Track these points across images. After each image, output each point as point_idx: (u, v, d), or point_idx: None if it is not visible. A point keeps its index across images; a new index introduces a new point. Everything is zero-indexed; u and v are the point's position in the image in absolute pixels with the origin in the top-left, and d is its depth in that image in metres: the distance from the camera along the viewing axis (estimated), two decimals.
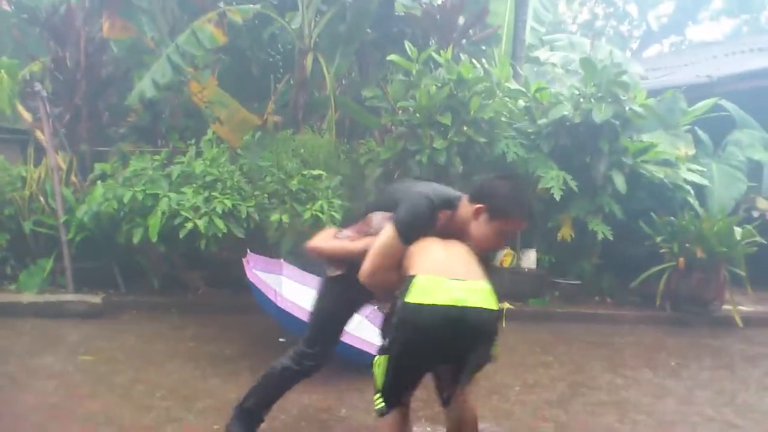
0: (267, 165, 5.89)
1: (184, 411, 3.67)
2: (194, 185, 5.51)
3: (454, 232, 2.69)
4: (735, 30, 20.95)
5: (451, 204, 2.71)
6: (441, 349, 2.47)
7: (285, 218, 5.47)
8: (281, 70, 8.09)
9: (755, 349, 5.45)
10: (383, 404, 2.52)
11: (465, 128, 6.06)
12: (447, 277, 2.46)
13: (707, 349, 5.38)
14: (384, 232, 2.66)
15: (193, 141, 6.08)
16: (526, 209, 2.69)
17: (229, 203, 5.39)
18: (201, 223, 5.24)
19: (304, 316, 4.12)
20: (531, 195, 2.60)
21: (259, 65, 7.86)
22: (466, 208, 2.68)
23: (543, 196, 6.00)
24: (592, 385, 4.38)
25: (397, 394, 2.57)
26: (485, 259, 2.74)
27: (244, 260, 4.64)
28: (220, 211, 5.31)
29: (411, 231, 2.63)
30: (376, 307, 5.06)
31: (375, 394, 2.55)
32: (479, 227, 2.65)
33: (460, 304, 2.38)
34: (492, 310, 2.44)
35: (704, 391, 4.36)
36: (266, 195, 5.68)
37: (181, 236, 5.27)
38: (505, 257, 6.39)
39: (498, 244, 2.77)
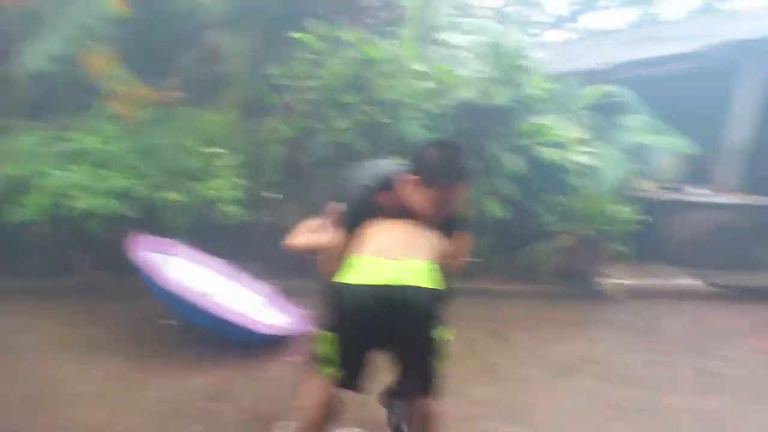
0: (165, 143, 5.74)
1: (50, 399, 3.60)
2: (85, 163, 5.31)
3: (406, 208, 2.72)
4: (632, 19, 21.86)
5: (389, 184, 2.73)
6: (376, 329, 2.49)
7: (182, 197, 5.35)
8: (182, 45, 7.83)
9: (633, 318, 5.80)
10: (333, 373, 2.56)
11: (369, 108, 6.10)
12: (384, 257, 2.51)
13: (589, 320, 5.71)
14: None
15: (85, 116, 5.84)
16: (455, 173, 2.65)
17: (123, 182, 5.22)
18: (93, 203, 5.06)
19: (193, 297, 4.11)
20: (462, 158, 2.68)
21: (160, 39, 7.59)
22: (407, 181, 2.70)
23: None
24: (475, 354, 4.60)
25: (346, 374, 2.59)
26: (450, 228, 2.77)
27: (131, 241, 4.52)
28: (114, 190, 5.14)
29: (348, 220, 2.73)
30: (276, 286, 5.08)
31: (317, 364, 2.60)
32: (418, 197, 2.66)
33: (392, 283, 2.44)
34: (426, 289, 2.45)
35: (572, 352, 4.66)
36: (162, 174, 5.53)
37: (69, 215, 5.05)
38: None
39: (438, 212, 2.68)
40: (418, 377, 2.61)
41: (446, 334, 2.55)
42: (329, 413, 2.71)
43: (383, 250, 2.56)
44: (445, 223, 2.75)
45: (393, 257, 2.52)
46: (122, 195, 5.24)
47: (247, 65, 7.83)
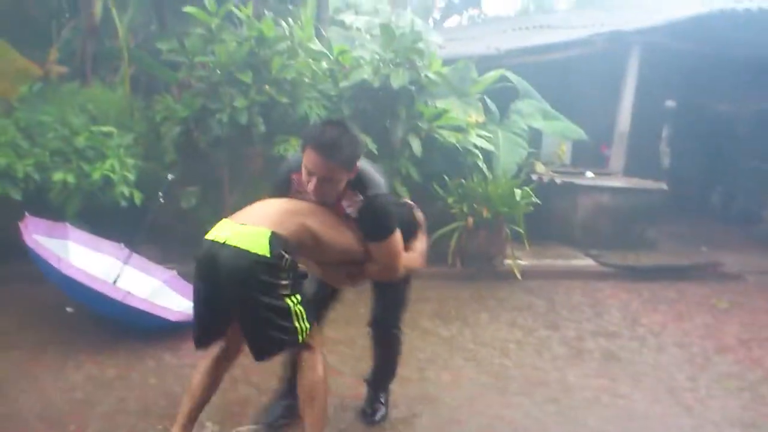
0: (49, 120, 5.37)
1: None
2: None
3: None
4: (524, 7, 22.63)
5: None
6: (206, 284, 2.59)
7: (70, 178, 5.05)
8: (66, 15, 7.36)
9: (529, 297, 6.06)
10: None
11: (267, 87, 5.97)
12: (232, 220, 2.59)
13: (489, 299, 5.90)
14: None
15: None
16: (313, 138, 2.56)
17: (2, 161, 4.86)
18: None
19: (91, 282, 3.91)
20: (339, 132, 2.58)
21: (39, 8, 7.09)
22: None
23: None
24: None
25: (199, 333, 2.73)
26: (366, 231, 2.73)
27: (21, 224, 4.24)
28: None
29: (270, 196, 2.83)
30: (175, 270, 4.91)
31: None
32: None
33: (218, 240, 2.50)
34: (242, 250, 2.42)
35: (473, 332, 4.83)
36: (48, 153, 5.18)
37: None
38: None
39: (307, 183, 2.62)
40: (248, 339, 2.62)
41: (289, 304, 2.52)
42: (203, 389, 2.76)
43: (239, 215, 2.63)
44: (361, 225, 2.73)
45: (239, 221, 2.56)
46: (2, 175, 4.87)
47: (136, 40, 7.47)
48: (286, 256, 2.48)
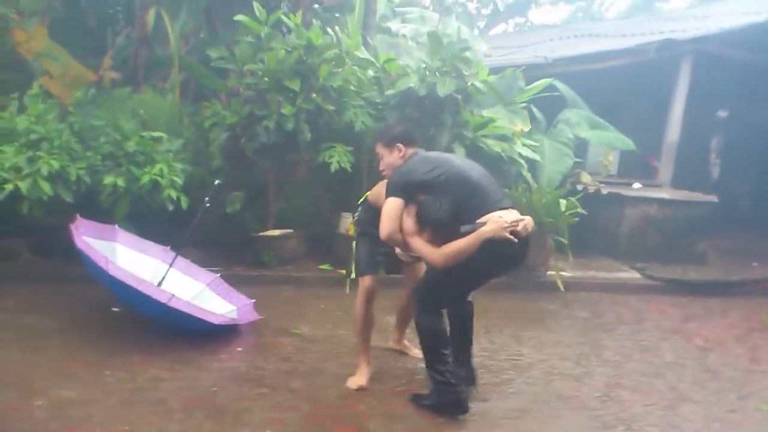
0: (101, 124, 5.53)
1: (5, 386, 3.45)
2: (16, 143, 5.06)
3: None
4: (571, 15, 22.40)
5: None
6: None
7: (120, 182, 5.18)
8: (120, 24, 7.57)
9: (572, 310, 5.96)
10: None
11: (314, 95, 6.02)
12: None
13: (531, 311, 5.82)
14: None
15: (16, 95, 5.57)
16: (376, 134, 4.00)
17: (56, 164, 5.00)
18: (23, 185, 4.83)
19: (138, 284, 3.98)
20: (395, 126, 3.98)
21: (95, 16, 7.30)
22: None
23: None
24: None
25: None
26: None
27: (72, 226, 4.35)
28: (46, 173, 4.92)
29: None
30: (218, 274, 4.98)
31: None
32: None
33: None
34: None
35: (514, 343, 4.77)
36: (100, 156, 5.32)
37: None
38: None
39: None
40: None
41: (353, 245, 4.00)
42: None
43: None
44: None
45: None
46: (56, 177, 5.02)
47: (189, 48, 7.64)
48: (359, 208, 3.98)
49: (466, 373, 3.77)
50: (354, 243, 3.89)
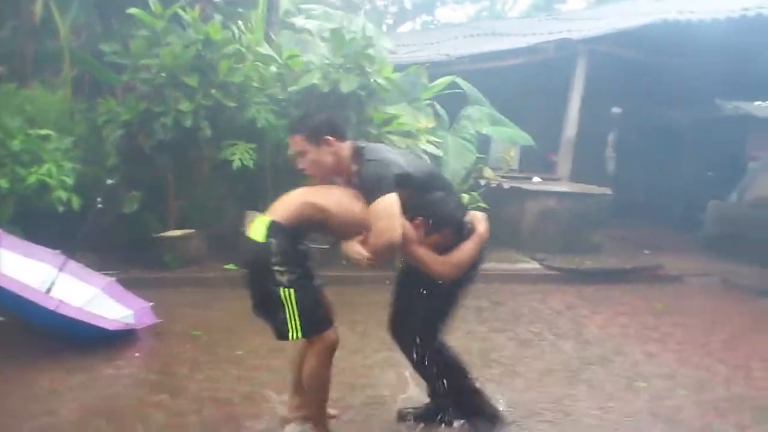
0: None
1: None
2: None
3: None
4: (477, 14, 22.90)
5: None
6: None
7: (4, 182, 4.89)
8: (5, 15, 7.12)
9: (474, 300, 5.98)
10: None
11: (213, 91, 5.89)
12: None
13: None
14: None
15: None
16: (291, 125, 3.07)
17: None
18: None
19: (23, 291, 3.77)
20: (306, 115, 3.22)
21: None
22: None
23: (293, 164, 6.05)
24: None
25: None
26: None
27: None
28: None
29: None
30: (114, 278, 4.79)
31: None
32: None
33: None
34: (252, 240, 2.75)
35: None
36: None
37: None
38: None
39: (298, 166, 2.97)
40: (264, 319, 2.86)
41: (281, 295, 2.71)
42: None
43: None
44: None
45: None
46: None
47: (79, 40, 7.28)
48: (274, 241, 2.70)
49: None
50: (284, 293, 2.68)
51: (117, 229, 5.85)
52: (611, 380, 4.26)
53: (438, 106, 7.86)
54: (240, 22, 7.16)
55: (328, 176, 2.96)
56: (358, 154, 2.89)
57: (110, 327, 4.05)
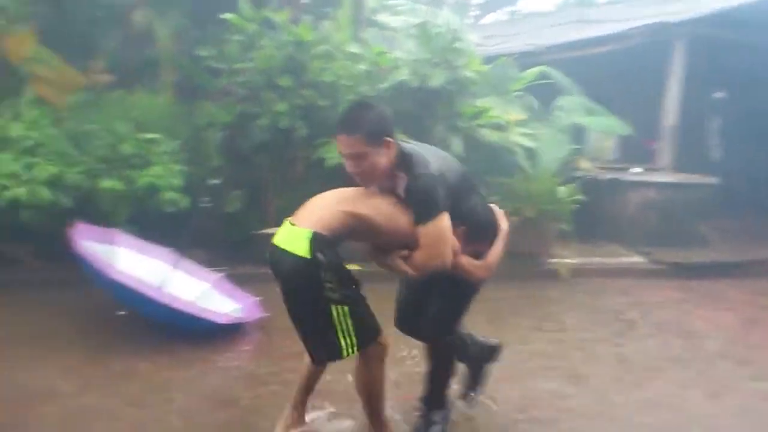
0: (96, 128, 5.50)
1: (9, 391, 3.45)
2: (12, 150, 5.03)
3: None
4: (563, 2, 22.34)
5: None
6: (279, 287, 2.60)
7: (118, 185, 5.15)
8: (110, 26, 7.49)
9: (576, 296, 5.95)
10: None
11: (306, 91, 6.00)
12: (291, 219, 2.60)
13: (535, 299, 5.80)
14: None
15: (8, 102, 5.53)
16: (338, 121, 2.59)
17: (53, 169, 4.99)
18: (22, 192, 4.81)
19: (140, 287, 3.96)
20: (360, 111, 2.60)
21: (83, 19, 7.22)
22: None
23: None
24: None
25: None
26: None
27: (71, 231, 4.33)
28: (43, 179, 4.90)
29: None
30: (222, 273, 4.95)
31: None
32: None
33: (275, 243, 2.55)
34: (288, 252, 2.46)
35: (530, 334, 4.73)
36: (96, 160, 5.30)
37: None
38: None
39: (352, 169, 2.60)
40: (302, 339, 2.67)
41: (333, 314, 2.51)
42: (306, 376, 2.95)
43: (297, 213, 2.62)
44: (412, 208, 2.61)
45: (293, 221, 2.57)
46: (52, 183, 5.00)
47: (178, 46, 7.57)
48: (321, 256, 2.44)
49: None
50: (337, 311, 2.52)
51: (222, 227, 6.06)
52: (719, 376, 4.07)
53: (530, 97, 7.71)
54: (328, 22, 7.26)
55: (380, 183, 2.65)
56: (406, 161, 2.60)
57: (221, 321, 4.19)
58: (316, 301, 2.50)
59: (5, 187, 4.83)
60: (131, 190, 5.21)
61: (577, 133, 8.08)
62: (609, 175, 7.97)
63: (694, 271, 6.81)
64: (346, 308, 2.53)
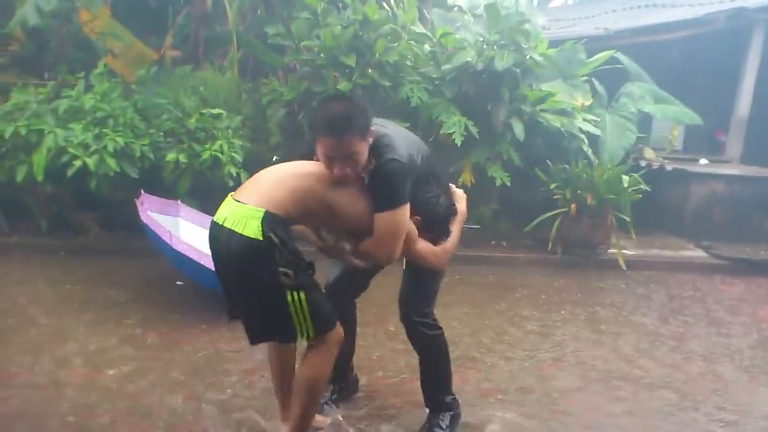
0: (163, 102, 5.65)
1: (75, 355, 3.60)
2: (83, 121, 5.24)
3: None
4: None
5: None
6: (217, 267, 2.48)
7: (182, 158, 5.29)
8: (180, 3, 7.66)
9: (634, 288, 5.82)
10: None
11: (370, 71, 6.00)
12: (234, 196, 2.41)
13: (593, 290, 5.69)
14: None
15: (82, 74, 5.73)
16: (322, 125, 2.36)
17: (121, 141, 5.15)
18: (91, 162, 5.00)
19: (200, 259, 4.07)
20: (344, 110, 2.35)
21: None
22: None
23: (445, 142, 6.07)
24: (485, 323, 4.59)
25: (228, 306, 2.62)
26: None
27: (137, 201, 4.48)
28: (112, 150, 5.09)
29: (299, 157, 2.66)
30: None
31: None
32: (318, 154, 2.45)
33: (218, 221, 2.36)
34: (239, 234, 2.26)
35: (584, 329, 4.66)
36: (162, 133, 5.47)
37: (69, 175, 5.02)
38: None
39: (330, 169, 2.40)
40: (243, 322, 2.52)
41: (288, 299, 2.33)
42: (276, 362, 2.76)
43: (241, 189, 2.44)
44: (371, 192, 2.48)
45: (238, 197, 2.37)
46: (121, 154, 5.18)
47: (247, 25, 7.69)
48: (275, 238, 2.26)
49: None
50: (292, 297, 2.33)
51: None
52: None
53: (596, 83, 7.52)
54: (393, 2, 7.22)
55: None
56: (377, 146, 2.45)
57: None
58: (269, 287, 2.32)
59: (75, 157, 5.02)
60: (194, 163, 5.34)
61: (643, 121, 7.84)
62: (674, 166, 7.73)
63: (760, 268, 6.56)
64: (302, 294, 2.34)
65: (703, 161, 8.19)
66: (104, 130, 5.19)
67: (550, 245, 6.30)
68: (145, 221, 4.32)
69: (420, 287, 2.87)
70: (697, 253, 6.89)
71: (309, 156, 2.55)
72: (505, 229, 6.73)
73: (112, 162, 5.07)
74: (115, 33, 6.22)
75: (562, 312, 5.01)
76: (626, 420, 3.32)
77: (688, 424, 3.32)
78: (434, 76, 6.45)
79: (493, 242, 6.70)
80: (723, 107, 8.71)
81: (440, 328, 2.91)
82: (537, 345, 4.27)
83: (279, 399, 2.82)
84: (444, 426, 2.93)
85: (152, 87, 5.87)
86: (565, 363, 4.02)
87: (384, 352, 3.93)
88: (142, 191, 4.69)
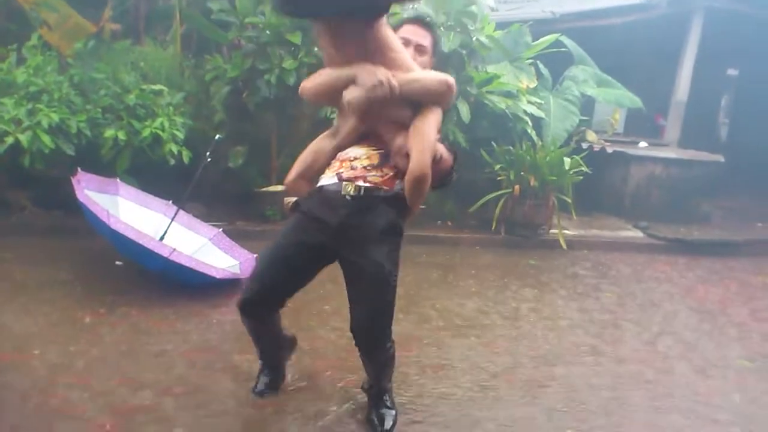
0: (101, 77, 5.47)
1: (5, 338, 3.50)
2: (15, 96, 5.02)
3: None
4: None
5: None
6: None
7: (121, 135, 5.14)
8: None
9: (574, 268, 5.97)
10: None
11: (315, 49, 5.93)
12: None
13: (531, 268, 5.83)
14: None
15: (14, 46, 5.49)
16: (416, 14, 2.96)
17: (56, 117, 4.96)
18: (24, 138, 4.81)
19: (139, 238, 3.99)
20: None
21: None
22: None
23: None
24: (424, 299, 4.68)
25: None
26: None
27: (73, 179, 4.34)
28: (46, 126, 4.89)
29: None
30: (221, 229, 4.97)
31: None
32: None
33: None
34: None
35: (524, 304, 4.76)
36: (100, 109, 5.29)
37: (0, 151, 4.82)
38: None
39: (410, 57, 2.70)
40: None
41: None
42: None
43: None
44: None
45: None
46: (56, 130, 4.99)
47: None
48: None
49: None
50: None
51: (223, 182, 6.07)
52: (711, 357, 4.10)
53: (541, 66, 7.61)
54: None
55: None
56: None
57: (218, 275, 4.22)
58: None
59: (6, 133, 4.82)
60: (134, 140, 5.21)
61: (586, 105, 8.00)
62: (614, 149, 7.92)
63: (695, 248, 6.81)
64: None
65: (642, 144, 8.42)
66: (38, 105, 4.98)
67: (494, 225, 6.40)
68: (82, 200, 4.19)
69: (377, 304, 2.68)
70: (635, 233, 7.11)
71: None
72: (451, 210, 6.80)
73: (46, 138, 4.88)
74: (51, 3, 5.93)
75: (497, 288, 5.12)
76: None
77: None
78: None
79: (438, 222, 6.77)
80: (663, 92, 8.93)
81: (393, 340, 2.83)
82: (473, 323, 4.35)
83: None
84: (389, 404, 2.97)
85: (90, 61, 5.67)
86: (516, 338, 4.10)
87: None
88: (79, 169, 4.55)
